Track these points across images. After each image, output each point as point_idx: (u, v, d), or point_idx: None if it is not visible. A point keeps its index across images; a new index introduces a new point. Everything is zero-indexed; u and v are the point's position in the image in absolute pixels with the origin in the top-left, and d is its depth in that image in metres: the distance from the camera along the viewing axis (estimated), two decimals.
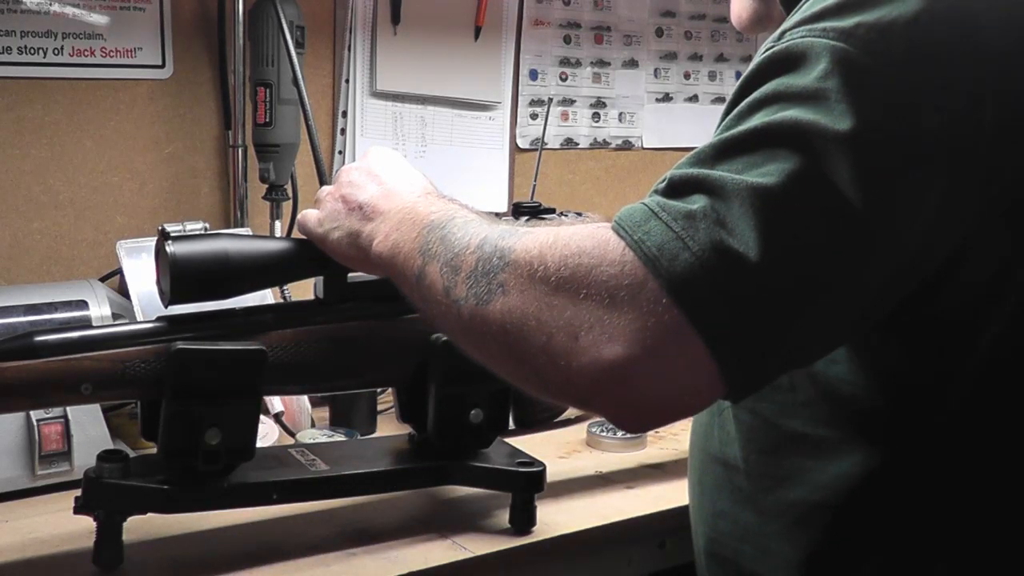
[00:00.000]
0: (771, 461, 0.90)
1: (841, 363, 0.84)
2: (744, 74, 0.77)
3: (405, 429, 1.24)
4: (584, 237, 0.73)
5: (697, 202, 0.70)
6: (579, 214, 1.24)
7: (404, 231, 0.90)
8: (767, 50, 0.76)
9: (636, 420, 0.74)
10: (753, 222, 0.68)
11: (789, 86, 0.72)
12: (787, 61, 0.73)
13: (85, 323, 1.29)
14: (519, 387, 0.79)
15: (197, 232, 1.06)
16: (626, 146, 2.09)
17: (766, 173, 0.69)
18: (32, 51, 1.52)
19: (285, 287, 1.52)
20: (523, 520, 1.19)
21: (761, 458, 0.91)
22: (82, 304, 1.33)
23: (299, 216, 1.08)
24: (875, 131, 0.70)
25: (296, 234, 1.11)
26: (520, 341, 0.74)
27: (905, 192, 0.71)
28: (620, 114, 2.08)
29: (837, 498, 0.85)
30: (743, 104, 0.75)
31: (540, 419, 1.55)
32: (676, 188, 0.72)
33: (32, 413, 1.24)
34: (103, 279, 1.49)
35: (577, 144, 2.03)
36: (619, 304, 0.69)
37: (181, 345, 1.04)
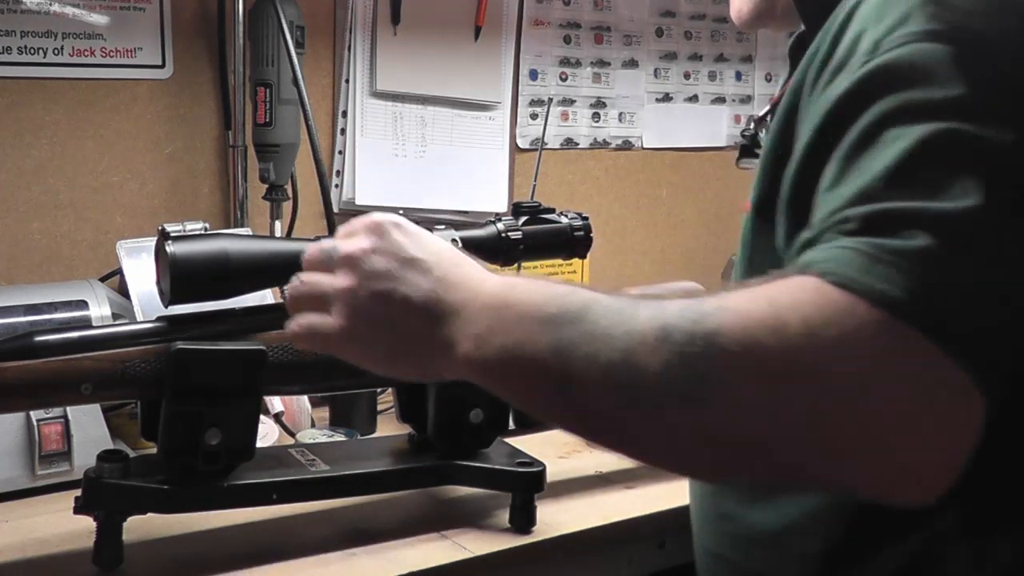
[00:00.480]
0: None
1: None
2: (839, 91, 0.73)
3: (405, 429, 1.25)
4: (802, 304, 0.63)
5: (915, 239, 0.64)
6: (580, 215, 1.24)
7: (511, 330, 0.74)
8: (864, 64, 0.72)
9: (933, 486, 0.67)
10: (983, 249, 0.65)
11: (917, 100, 0.69)
12: (898, 74, 0.70)
13: (85, 323, 1.29)
14: (755, 483, 0.74)
15: (197, 232, 1.06)
16: (626, 146, 2.09)
17: (959, 194, 0.65)
18: (32, 51, 1.52)
19: (285, 287, 1.52)
20: (523, 520, 1.19)
21: None
22: (82, 304, 1.33)
23: (301, 327, 0.87)
24: (1010, 112, 0.68)
25: (296, 234, 1.10)
26: (766, 440, 0.63)
27: None
28: (620, 114, 2.07)
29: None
30: (863, 126, 0.70)
31: (540, 419, 1.55)
32: (876, 227, 0.65)
33: (32, 413, 1.24)
34: (103, 279, 1.49)
35: (577, 144, 2.03)
36: (885, 369, 0.62)
37: (181, 345, 1.04)
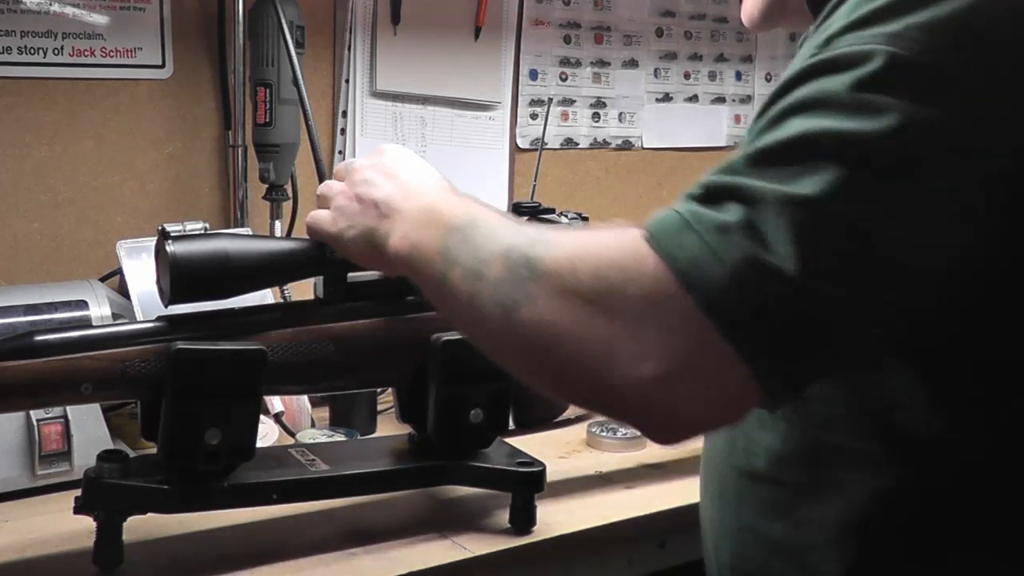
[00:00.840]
0: (808, 473, 0.87)
1: (881, 372, 0.81)
2: (783, 78, 0.75)
3: (405, 429, 1.24)
4: (616, 248, 0.72)
5: (731, 213, 0.69)
6: (579, 215, 1.24)
7: (424, 231, 0.88)
8: (812, 56, 0.73)
9: (670, 435, 0.73)
10: (788, 235, 0.67)
11: (829, 92, 0.70)
12: (828, 68, 0.71)
13: (85, 323, 1.29)
14: (544, 392, 0.79)
15: (197, 232, 1.06)
16: (626, 146, 2.09)
17: (804, 184, 0.68)
18: (32, 51, 1.52)
19: (285, 287, 1.52)
20: (523, 520, 1.19)
21: (797, 470, 0.88)
22: (82, 304, 1.33)
23: (309, 218, 1.05)
24: (922, 136, 0.68)
25: (296, 234, 1.11)
26: (548, 354, 0.73)
27: (956, 198, 0.69)
28: (620, 114, 2.08)
29: (880, 512, 0.83)
30: (777, 108, 0.72)
31: (540, 419, 1.56)
32: (710, 196, 0.71)
33: (32, 413, 1.24)
34: (103, 279, 1.49)
35: (577, 144, 2.03)
36: (652, 319, 0.69)
37: (181, 345, 1.04)
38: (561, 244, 0.75)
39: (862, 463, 0.83)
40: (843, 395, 0.84)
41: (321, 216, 1.04)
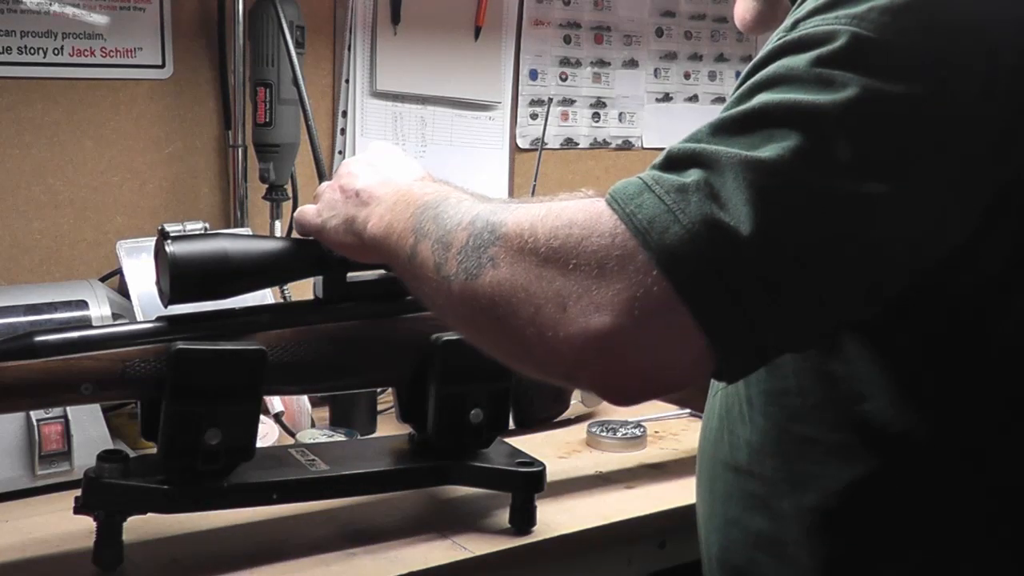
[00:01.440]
0: (784, 466, 0.88)
1: (851, 363, 0.82)
2: (753, 61, 0.77)
3: (405, 429, 1.24)
4: (576, 210, 0.73)
5: (691, 175, 0.70)
6: None
7: (398, 212, 0.91)
8: (779, 39, 0.75)
9: (622, 392, 0.73)
10: (745, 196, 0.68)
11: (793, 68, 0.72)
12: (797, 48, 0.73)
13: (85, 323, 1.29)
14: (510, 365, 0.79)
15: (197, 232, 1.06)
16: (626, 146, 2.09)
17: (762, 149, 0.69)
18: (32, 51, 1.52)
19: (285, 287, 1.52)
20: (523, 520, 1.19)
21: (774, 463, 0.89)
22: (82, 304, 1.33)
23: (296, 212, 1.08)
24: (881, 108, 0.69)
25: (295, 234, 1.11)
26: (509, 314, 0.74)
27: (912, 170, 0.70)
28: (620, 114, 2.08)
29: (854, 504, 0.83)
30: (744, 87, 0.74)
31: (540, 419, 1.56)
32: (672, 162, 0.73)
33: (32, 413, 1.24)
34: (103, 279, 1.49)
35: (577, 144, 2.03)
36: (608, 275, 0.69)
37: (181, 345, 1.04)
38: (524, 209, 0.77)
39: (834, 455, 0.84)
40: (814, 386, 0.85)
41: (307, 209, 1.07)
